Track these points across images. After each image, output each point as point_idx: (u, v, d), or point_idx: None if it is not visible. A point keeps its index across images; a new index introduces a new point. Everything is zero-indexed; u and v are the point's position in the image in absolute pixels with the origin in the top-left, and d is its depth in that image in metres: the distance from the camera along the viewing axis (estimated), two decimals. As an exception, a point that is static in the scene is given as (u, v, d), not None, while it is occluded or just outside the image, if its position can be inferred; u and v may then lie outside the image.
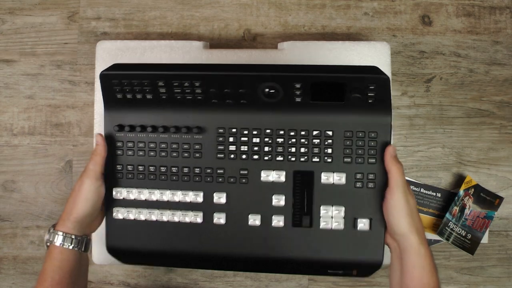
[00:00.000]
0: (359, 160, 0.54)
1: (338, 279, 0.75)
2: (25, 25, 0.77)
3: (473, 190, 0.75)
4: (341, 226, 0.54)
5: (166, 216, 0.57)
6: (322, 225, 0.54)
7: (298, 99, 0.54)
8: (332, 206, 0.54)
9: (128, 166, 0.58)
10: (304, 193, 0.54)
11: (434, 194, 0.76)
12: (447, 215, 0.74)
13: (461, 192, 0.75)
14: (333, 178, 0.54)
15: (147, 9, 0.77)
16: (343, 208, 0.54)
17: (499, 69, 0.78)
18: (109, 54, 0.68)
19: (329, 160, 0.54)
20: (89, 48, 0.76)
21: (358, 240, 0.54)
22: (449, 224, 0.74)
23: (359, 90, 0.53)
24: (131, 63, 0.60)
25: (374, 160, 0.54)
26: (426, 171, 0.76)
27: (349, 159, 0.54)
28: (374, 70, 0.54)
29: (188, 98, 0.56)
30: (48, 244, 0.54)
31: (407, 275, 0.50)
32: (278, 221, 0.55)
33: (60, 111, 0.76)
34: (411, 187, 0.76)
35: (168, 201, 0.57)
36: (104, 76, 0.56)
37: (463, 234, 0.74)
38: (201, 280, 0.75)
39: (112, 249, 0.58)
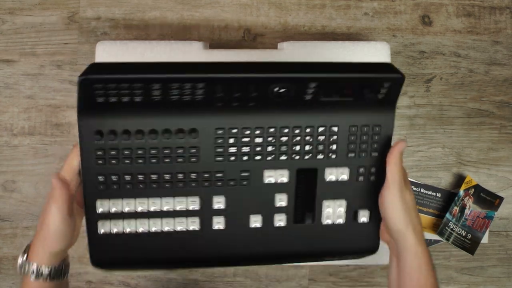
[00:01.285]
0: (362, 154, 0.53)
1: (338, 279, 0.75)
2: (25, 25, 0.77)
3: (473, 190, 0.75)
4: (343, 221, 0.54)
5: (159, 226, 0.51)
6: (324, 220, 0.54)
7: (308, 97, 0.50)
8: (334, 201, 0.53)
9: (113, 176, 0.50)
10: (307, 191, 0.53)
11: (434, 194, 0.76)
12: (447, 215, 0.74)
13: (461, 192, 0.75)
14: (336, 174, 0.53)
15: (147, 9, 0.77)
16: (344, 202, 0.53)
17: (499, 69, 0.78)
18: (109, 54, 0.67)
19: (333, 156, 0.53)
20: (89, 48, 0.76)
21: (357, 231, 0.54)
22: (449, 224, 0.74)
23: (374, 89, 0.51)
24: (115, 62, 0.51)
25: (376, 153, 0.53)
26: (426, 171, 0.76)
27: (352, 154, 0.53)
28: (389, 67, 0.52)
29: (186, 100, 0.49)
30: (22, 272, 0.49)
31: (404, 275, 0.49)
32: (280, 220, 0.53)
33: (60, 111, 0.76)
34: (411, 187, 0.76)
35: (161, 210, 0.51)
36: (84, 81, 0.44)
37: (463, 234, 0.74)
38: (201, 280, 0.75)
39: (99, 265, 0.52)
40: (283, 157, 0.52)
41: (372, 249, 0.55)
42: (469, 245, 0.75)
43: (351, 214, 0.54)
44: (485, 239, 0.75)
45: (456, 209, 0.74)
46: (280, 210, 0.53)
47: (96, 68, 0.47)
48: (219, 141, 0.51)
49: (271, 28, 0.77)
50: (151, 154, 0.49)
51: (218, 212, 0.52)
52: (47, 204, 0.49)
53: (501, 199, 0.75)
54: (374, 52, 0.68)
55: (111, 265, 0.52)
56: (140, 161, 0.50)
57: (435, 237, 0.75)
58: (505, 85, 0.78)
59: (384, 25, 0.78)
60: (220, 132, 0.51)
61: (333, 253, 0.56)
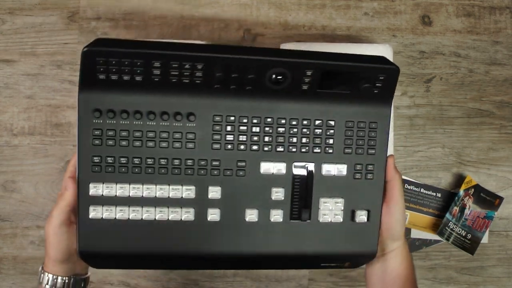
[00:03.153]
0: (359, 151, 0.53)
1: (338, 279, 0.75)
2: (25, 25, 0.77)
3: (473, 190, 0.75)
4: (340, 219, 0.53)
5: (152, 214, 0.50)
6: (321, 218, 0.53)
7: (304, 87, 0.51)
8: (332, 198, 0.53)
9: (108, 158, 0.49)
10: (304, 186, 0.53)
11: (434, 194, 0.76)
12: (447, 215, 0.74)
13: (461, 192, 0.75)
14: (334, 169, 0.53)
15: (147, 9, 0.77)
16: (342, 200, 0.53)
17: (499, 69, 0.78)
18: None
19: (330, 151, 0.53)
20: (89, 48, 0.76)
21: (355, 232, 0.54)
22: (449, 224, 0.74)
23: (369, 80, 0.51)
24: (118, 38, 0.51)
25: (373, 151, 0.54)
26: (426, 171, 0.76)
27: (349, 150, 0.53)
28: (384, 60, 0.53)
29: (185, 82, 0.48)
30: (40, 281, 0.52)
31: (389, 280, 0.53)
32: (276, 215, 0.52)
33: (60, 111, 0.76)
34: (411, 187, 0.76)
35: (155, 197, 0.50)
36: (88, 53, 0.45)
37: (463, 234, 0.74)
38: (201, 280, 0.75)
39: (86, 254, 0.51)
40: (280, 149, 0.51)
41: (371, 254, 0.54)
42: (469, 245, 0.75)
43: (349, 213, 0.53)
44: (485, 239, 0.75)
45: (456, 209, 0.74)
46: (277, 204, 0.52)
47: (101, 42, 0.47)
48: (217, 127, 0.50)
49: (271, 28, 0.77)
50: (148, 137, 0.49)
51: (214, 203, 0.51)
52: (49, 216, 0.50)
53: (501, 199, 0.75)
54: (377, 54, 0.68)
55: (98, 257, 0.51)
56: (137, 143, 0.49)
57: (435, 237, 0.75)
58: (505, 85, 0.78)
59: (384, 25, 0.78)
60: (218, 118, 0.50)
61: (330, 257, 0.55)
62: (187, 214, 0.50)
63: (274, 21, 0.78)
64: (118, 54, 0.46)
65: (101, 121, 0.49)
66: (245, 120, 0.51)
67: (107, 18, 0.77)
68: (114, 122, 0.49)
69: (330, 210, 0.53)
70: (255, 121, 0.51)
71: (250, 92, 0.50)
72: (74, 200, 0.49)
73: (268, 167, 0.52)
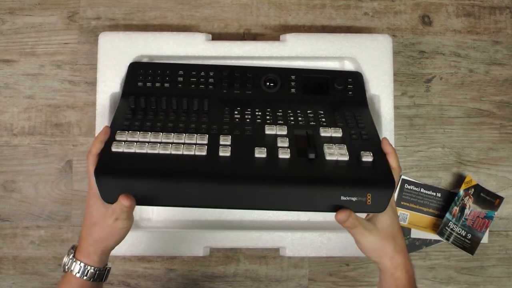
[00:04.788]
0: (350, 125, 0.61)
1: (338, 279, 0.75)
2: (25, 25, 0.77)
3: (473, 190, 0.75)
4: (346, 158, 0.54)
5: (168, 149, 0.53)
6: (328, 156, 0.53)
7: (293, 90, 0.67)
8: (335, 144, 0.56)
9: (136, 122, 0.58)
10: (306, 138, 0.57)
11: (434, 194, 0.76)
12: (447, 215, 0.74)
13: (461, 192, 0.75)
14: (330, 132, 0.59)
15: (147, 9, 0.77)
16: (345, 146, 0.56)
17: (499, 69, 0.78)
18: (112, 45, 0.68)
19: (325, 123, 0.61)
20: (89, 48, 0.76)
21: (366, 169, 0.53)
22: (449, 224, 0.74)
23: (340, 83, 0.67)
24: (149, 62, 0.70)
25: (363, 125, 0.61)
26: (426, 171, 0.76)
27: (341, 124, 0.61)
28: (355, 72, 0.69)
29: (201, 88, 0.66)
30: (66, 269, 0.52)
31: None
32: (284, 152, 0.54)
33: (60, 111, 0.76)
34: (411, 187, 0.76)
35: (172, 142, 0.55)
36: (133, 65, 0.67)
37: (463, 234, 0.74)
38: (201, 280, 0.75)
39: (103, 183, 0.51)
40: (281, 121, 0.61)
41: (389, 181, 0.51)
42: (469, 245, 0.75)
43: (354, 154, 0.54)
44: (485, 239, 0.75)
45: (456, 209, 0.74)
46: (283, 148, 0.55)
47: (137, 64, 0.68)
48: (226, 113, 0.62)
49: (271, 28, 0.77)
50: (171, 115, 0.60)
51: (225, 145, 0.55)
52: (91, 198, 0.52)
53: (501, 199, 0.75)
54: (376, 44, 0.69)
55: (116, 178, 0.51)
56: (161, 117, 0.60)
57: (435, 237, 0.75)
58: (505, 85, 0.78)
59: (384, 25, 0.78)
60: (227, 108, 0.63)
61: (348, 186, 0.51)
62: (200, 150, 0.53)
63: (274, 21, 0.78)
64: (154, 66, 0.68)
65: (134, 104, 0.62)
66: (249, 109, 0.63)
67: (107, 18, 0.77)
68: (144, 106, 0.62)
69: (335, 150, 0.54)
70: (257, 110, 0.63)
71: (250, 95, 0.66)
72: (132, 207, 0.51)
73: (272, 129, 0.59)
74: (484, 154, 0.77)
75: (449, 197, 0.76)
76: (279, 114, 0.62)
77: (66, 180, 0.75)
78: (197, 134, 0.56)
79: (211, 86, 0.66)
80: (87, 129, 0.75)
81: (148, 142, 0.54)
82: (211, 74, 0.67)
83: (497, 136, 0.77)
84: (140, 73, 0.67)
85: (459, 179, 0.76)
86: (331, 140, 0.57)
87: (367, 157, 0.53)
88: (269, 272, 0.75)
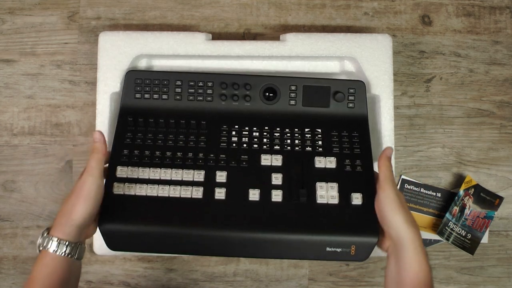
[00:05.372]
0: (346, 150, 0.61)
1: (338, 279, 0.75)
2: (25, 25, 0.77)
3: (473, 190, 0.75)
4: (336, 201, 0.57)
5: (166, 191, 0.57)
6: (319, 199, 0.57)
7: (292, 102, 0.66)
8: (327, 183, 0.58)
9: (135, 151, 0.60)
10: (300, 172, 0.59)
11: (434, 194, 0.76)
12: (447, 215, 0.74)
13: (461, 192, 0.75)
14: (324, 162, 0.60)
15: (147, 9, 0.77)
16: (336, 185, 0.58)
17: (499, 69, 0.78)
18: (112, 45, 0.68)
19: (320, 149, 0.61)
20: (89, 48, 0.76)
21: (353, 216, 0.56)
22: (449, 224, 0.74)
23: (340, 98, 0.65)
24: (147, 70, 0.69)
25: (358, 151, 0.61)
26: (426, 171, 0.76)
27: (337, 150, 0.61)
28: (357, 82, 0.66)
29: (199, 99, 0.65)
30: (41, 248, 0.51)
31: (403, 271, 0.49)
32: (276, 195, 0.57)
33: (60, 111, 0.76)
34: (411, 187, 0.76)
35: (171, 179, 0.58)
36: (130, 73, 0.65)
37: (463, 234, 0.74)
38: (201, 280, 0.75)
39: (105, 229, 0.55)
40: (277, 147, 0.61)
41: (372, 236, 0.54)
42: (469, 245, 0.75)
43: (344, 196, 0.57)
44: (485, 239, 0.75)
45: (456, 209, 0.74)
46: (277, 187, 0.58)
47: (134, 71, 0.66)
48: (224, 133, 0.62)
49: (271, 28, 0.77)
50: (169, 138, 0.62)
51: (220, 185, 0.58)
52: (83, 172, 0.53)
53: (501, 199, 0.75)
54: (376, 44, 0.69)
55: (117, 225, 0.56)
56: (160, 142, 0.61)
57: (435, 237, 0.75)
58: (505, 85, 0.78)
59: (384, 25, 0.78)
60: (225, 127, 0.63)
61: (333, 240, 0.55)
62: (196, 192, 0.57)
63: (274, 21, 0.78)
64: (152, 74, 0.65)
65: (133, 126, 0.63)
66: (246, 128, 0.63)
67: (107, 18, 0.77)
68: (143, 128, 0.63)
69: (326, 192, 0.57)
70: (255, 128, 0.63)
71: (249, 108, 0.65)
72: (106, 149, 0.55)
73: (267, 159, 0.60)
74: (484, 154, 0.77)
75: (449, 197, 0.76)
76: (276, 135, 0.63)
77: (66, 180, 0.75)
78: (194, 170, 0.59)
79: (209, 98, 0.65)
80: (87, 129, 0.76)
81: (147, 181, 0.58)
82: (209, 84, 0.65)
83: (497, 136, 0.77)
84: (137, 83, 0.65)
85: (459, 179, 0.76)
86: (325, 172, 0.59)
87: (357, 200, 0.56)
88: (269, 272, 0.75)
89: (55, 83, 0.76)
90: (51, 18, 0.77)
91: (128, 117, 0.63)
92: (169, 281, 0.75)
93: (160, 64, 0.72)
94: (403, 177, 0.76)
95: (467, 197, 0.75)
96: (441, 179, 0.77)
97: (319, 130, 0.63)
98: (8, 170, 0.75)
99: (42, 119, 0.76)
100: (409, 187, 0.76)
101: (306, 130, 0.63)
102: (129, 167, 0.58)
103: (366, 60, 0.69)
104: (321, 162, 0.60)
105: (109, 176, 0.58)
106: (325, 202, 0.56)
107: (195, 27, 0.77)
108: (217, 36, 0.77)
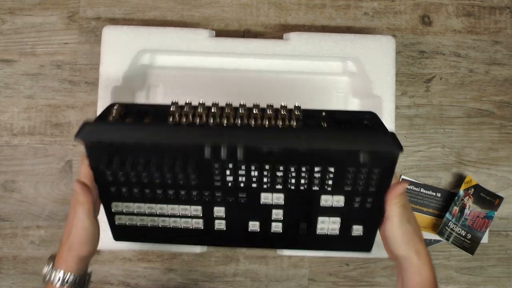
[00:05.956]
0: (359, 188, 0.51)
1: (338, 279, 0.75)
2: (25, 25, 0.77)
3: (473, 190, 0.75)
4: (336, 233, 0.54)
5: (167, 222, 0.54)
6: (318, 231, 0.54)
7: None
8: (329, 217, 0.53)
9: (123, 189, 0.52)
10: (302, 210, 0.53)
11: (434, 194, 0.76)
12: (447, 215, 0.74)
13: (461, 192, 0.75)
14: (331, 200, 0.52)
15: (147, 9, 0.77)
16: (339, 220, 0.53)
17: (499, 69, 0.78)
18: (115, 39, 0.68)
19: (329, 189, 0.51)
20: (89, 48, 0.76)
21: (352, 240, 0.55)
22: (449, 224, 0.74)
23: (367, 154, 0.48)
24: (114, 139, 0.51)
25: (374, 189, 0.50)
26: (426, 171, 0.76)
27: (349, 188, 0.51)
28: (380, 128, 0.50)
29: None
30: (46, 280, 0.51)
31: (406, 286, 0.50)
32: (276, 227, 0.54)
33: (60, 111, 0.76)
34: (411, 187, 0.76)
35: (168, 213, 0.54)
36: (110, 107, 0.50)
37: (463, 234, 0.74)
38: (201, 280, 0.75)
39: (119, 239, 0.58)
40: (279, 186, 0.51)
41: (367, 248, 0.56)
42: (469, 245, 0.75)
43: (345, 227, 0.54)
44: (485, 239, 0.75)
45: (456, 209, 0.74)
46: (277, 220, 0.54)
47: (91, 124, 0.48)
48: (217, 172, 0.49)
49: (271, 28, 0.77)
50: (155, 177, 0.50)
51: (219, 218, 0.54)
52: (72, 209, 0.51)
53: (501, 199, 0.75)
54: (380, 45, 0.69)
55: (129, 239, 0.57)
56: (145, 180, 0.51)
57: (435, 237, 0.75)
58: (505, 85, 0.78)
59: (384, 25, 0.78)
60: (217, 165, 0.49)
61: (328, 247, 0.57)
62: (196, 224, 0.55)
63: (274, 21, 0.78)
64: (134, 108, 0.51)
65: (112, 169, 0.50)
66: (243, 167, 0.49)
67: (107, 18, 0.77)
68: (125, 170, 0.50)
69: (327, 226, 0.54)
70: (253, 167, 0.49)
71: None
72: (91, 197, 0.50)
73: (267, 198, 0.52)
74: (484, 154, 0.77)
75: (449, 197, 0.76)
76: (279, 175, 0.49)
77: (66, 180, 0.75)
78: (190, 206, 0.53)
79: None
80: (87, 129, 0.75)
81: (146, 214, 0.54)
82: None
83: (497, 136, 0.77)
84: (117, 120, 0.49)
85: (459, 179, 0.76)
86: (330, 209, 0.52)
87: (357, 232, 0.54)
88: (269, 272, 0.75)
89: (55, 83, 0.76)
90: (51, 18, 0.77)
91: (102, 155, 0.49)
92: (169, 281, 0.75)
93: (163, 60, 0.72)
94: (403, 177, 0.76)
95: (467, 197, 0.75)
96: (441, 179, 0.77)
97: (332, 169, 0.49)
98: (8, 170, 0.75)
99: (42, 119, 0.76)
100: (409, 187, 0.76)
101: (317, 169, 0.49)
102: (124, 203, 0.53)
103: (369, 61, 0.69)
104: (327, 201, 0.51)
105: (106, 209, 0.54)
106: (325, 233, 0.54)
107: (195, 27, 0.77)
108: (217, 35, 0.77)
